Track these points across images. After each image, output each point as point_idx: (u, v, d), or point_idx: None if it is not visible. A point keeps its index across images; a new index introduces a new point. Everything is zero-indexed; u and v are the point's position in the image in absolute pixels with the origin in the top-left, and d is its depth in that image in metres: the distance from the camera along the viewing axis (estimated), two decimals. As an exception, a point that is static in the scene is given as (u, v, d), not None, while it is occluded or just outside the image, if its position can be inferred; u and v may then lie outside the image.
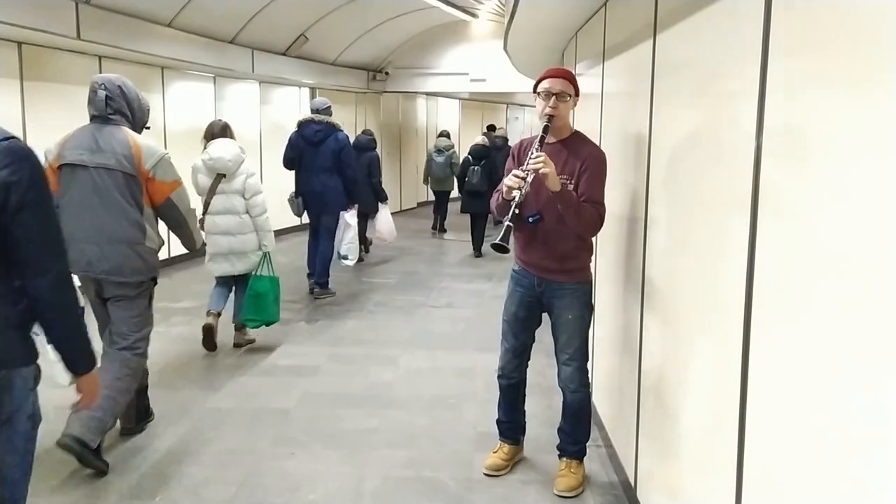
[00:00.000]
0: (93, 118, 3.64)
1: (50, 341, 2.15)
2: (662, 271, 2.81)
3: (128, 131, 3.60)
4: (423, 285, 7.89)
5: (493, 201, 3.28)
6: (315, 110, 7.18)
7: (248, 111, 10.45)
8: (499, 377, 3.56)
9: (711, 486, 2.15)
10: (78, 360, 2.21)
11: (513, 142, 13.95)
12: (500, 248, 2.95)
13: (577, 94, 3.22)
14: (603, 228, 3.22)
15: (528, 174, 2.98)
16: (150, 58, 7.62)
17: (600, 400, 4.05)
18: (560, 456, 3.51)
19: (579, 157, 3.17)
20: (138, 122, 3.72)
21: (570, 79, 3.20)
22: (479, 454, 3.72)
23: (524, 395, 3.61)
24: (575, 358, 3.32)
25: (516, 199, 3.01)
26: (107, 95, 3.59)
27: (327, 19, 10.16)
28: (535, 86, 3.25)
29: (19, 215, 2.00)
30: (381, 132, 13.55)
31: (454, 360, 5.34)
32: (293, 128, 7.54)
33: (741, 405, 1.89)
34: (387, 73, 12.98)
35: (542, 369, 4.61)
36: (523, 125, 19.31)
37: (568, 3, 4.25)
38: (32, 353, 2.11)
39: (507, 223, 3.00)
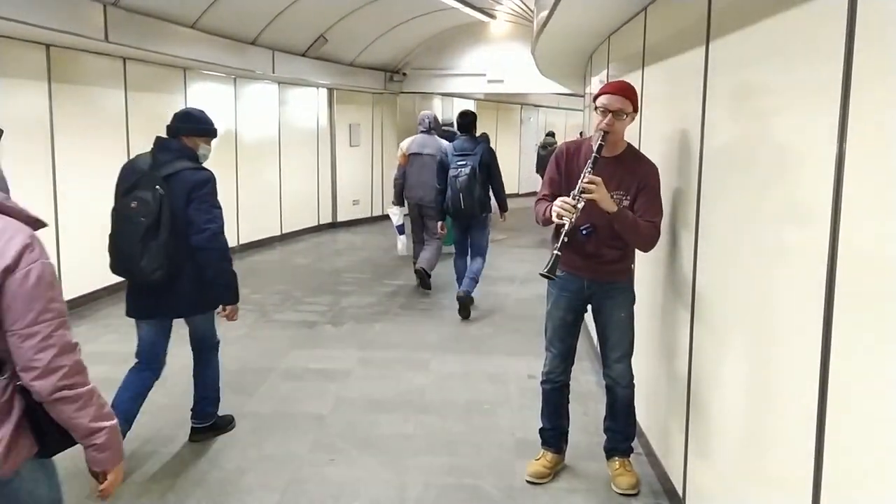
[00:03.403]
0: (420, 132, 7.57)
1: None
2: (718, 279, 2.78)
3: (439, 139, 7.44)
4: (443, 288, 7.84)
5: (538, 212, 3.27)
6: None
7: (267, 112, 10.44)
8: (543, 382, 3.54)
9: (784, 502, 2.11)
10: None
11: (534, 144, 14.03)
12: (548, 278, 3.04)
13: (635, 111, 3.19)
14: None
15: (578, 201, 2.98)
16: (173, 59, 7.62)
17: (638, 406, 4.01)
18: (611, 456, 3.52)
19: (636, 174, 3.17)
20: (440, 132, 7.64)
21: (630, 96, 3.15)
22: (519, 461, 3.69)
23: (568, 400, 3.59)
24: (627, 355, 3.38)
25: (566, 227, 2.99)
26: (429, 122, 7.55)
27: (346, 20, 10.14)
28: (595, 98, 3.26)
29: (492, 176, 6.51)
30: (397, 133, 13.55)
31: (484, 364, 5.32)
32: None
33: (819, 425, 1.86)
34: (404, 74, 12.95)
35: (575, 374, 4.54)
36: (537, 125, 19.28)
37: (606, 8, 4.22)
38: None
39: (555, 252, 3.00)
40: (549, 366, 3.51)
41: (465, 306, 6.51)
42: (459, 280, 6.75)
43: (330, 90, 11.95)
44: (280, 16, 8.83)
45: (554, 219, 3.04)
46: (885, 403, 1.60)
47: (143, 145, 7.72)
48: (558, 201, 3.02)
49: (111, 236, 3.52)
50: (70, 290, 6.54)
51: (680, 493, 3.19)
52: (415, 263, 7.55)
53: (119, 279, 7.20)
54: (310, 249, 10.39)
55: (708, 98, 2.89)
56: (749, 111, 2.48)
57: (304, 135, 11.40)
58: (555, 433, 3.59)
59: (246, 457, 3.75)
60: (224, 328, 6.06)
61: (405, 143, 7.58)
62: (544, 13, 5.00)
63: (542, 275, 3.01)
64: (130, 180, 3.51)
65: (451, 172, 6.37)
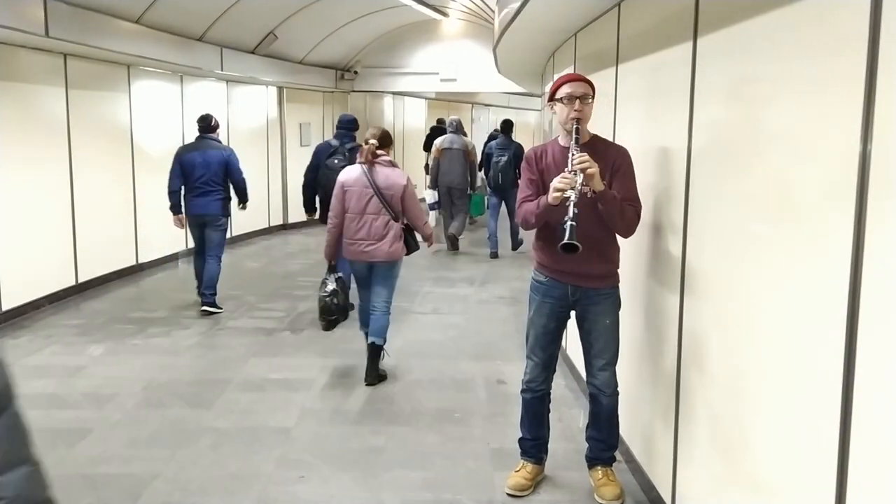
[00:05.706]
0: (450, 132, 9.87)
1: None
2: (713, 277, 2.68)
3: (464, 137, 10.04)
4: (404, 290, 7.62)
5: (527, 212, 3.12)
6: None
7: (215, 110, 10.05)
8: (523, 391, 3.41)
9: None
10: None
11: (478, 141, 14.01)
12: (572, 248, 2.76)
13: (593, 98, 3.17)
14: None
15: (576, 173, 2.86)
16: (116, 55, 7.26)
17: (620, 413, 3.90)
18: (593, 466, 3.41)
19: (606, 158, 3.09)
20: (463, 132, 9.99)
21: (590, 82, 3.17)
22: (497, 473, 3.55)
23: (549, 409, 3.46)
24: (612, 363, 3.28)
25: (571, 197, 2.82)
26: (455, 124, 9.92)
27: (296, 17, 9.88)
28: (553, 94, 3.19)
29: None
30: (348, 132, 13.28)
31: (451, 370, 5.16)
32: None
33: (843, 434, 1.76)
34: (356, 73, 12.72)
35: (549, 379, 4.46)
36: (487, 124, 19.27)
37: (577, 3, 4.11)
38: None
39: (570, 222, 2.77)
40: (529, 374, 3.37)
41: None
42: (490, 233, 9.64)
43: (280, 88, 11.65)
44: (228, 11, 8.53)
45: (552, 195, 2.89)
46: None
47: (85, 146, 7.41)
48: (555, 180, 2.90)
49: (324, 187, 6.20)
50: (9, 300, 6.17)
51: (668, 501, 3.09)
52: (445, 230, 9.95)
53: (59, 287, 6.95)
54: (260, 252, 10.09)
55: (696, 94, 2.79)
56: (751, 107, 2.37)
57: (253, 134, 11.06)
58: (535, 443, 3.45)
59: (209, 475, 3.52)
60: (175, 337, 5.82)
61: (438, 141, 9.97)
62: (510, 8, 4.87)
63: (562, 246, 2.79)
64: (328, 151, 6.42)
65: (494, 159, 9.52)
